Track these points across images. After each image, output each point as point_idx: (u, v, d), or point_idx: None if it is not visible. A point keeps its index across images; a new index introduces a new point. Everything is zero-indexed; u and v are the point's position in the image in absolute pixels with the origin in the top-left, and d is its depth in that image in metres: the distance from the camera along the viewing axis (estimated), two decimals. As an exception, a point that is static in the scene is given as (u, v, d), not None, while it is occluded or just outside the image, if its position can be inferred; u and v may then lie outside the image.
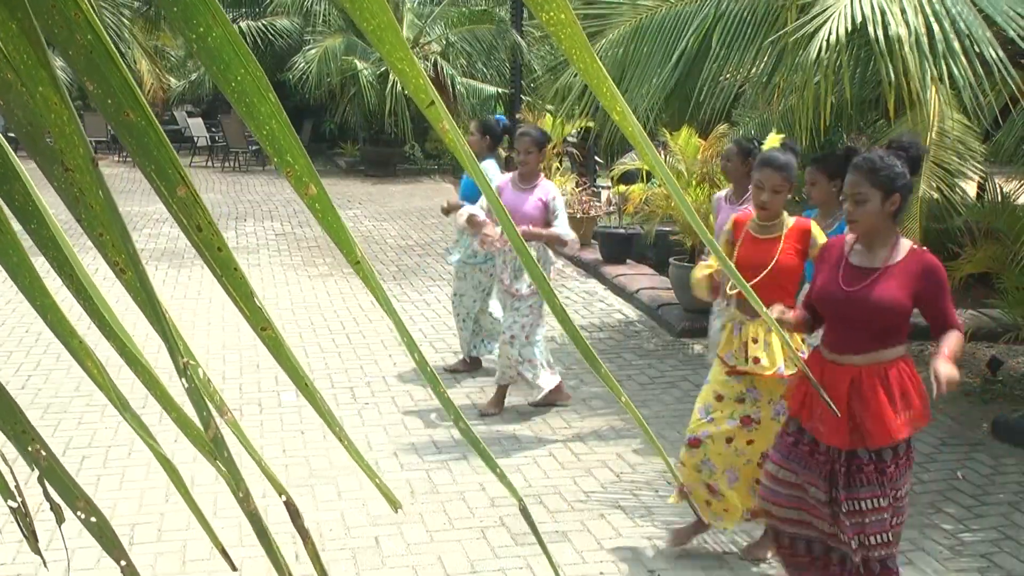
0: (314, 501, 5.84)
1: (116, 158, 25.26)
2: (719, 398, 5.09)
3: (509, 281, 7.19)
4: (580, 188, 14.52)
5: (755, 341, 4.91)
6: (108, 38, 0.93)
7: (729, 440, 5.07)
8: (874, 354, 4.15)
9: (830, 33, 5.94)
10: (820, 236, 4.91)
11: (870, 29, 5.90)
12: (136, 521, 5.52)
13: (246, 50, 0.97)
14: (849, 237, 4.29)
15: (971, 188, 9.08)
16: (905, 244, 4.19)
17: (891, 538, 4.23)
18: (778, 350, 4.86)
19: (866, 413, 4.09)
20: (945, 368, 3.98)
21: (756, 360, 4.90)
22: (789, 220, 5.00)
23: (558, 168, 15.48)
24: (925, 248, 4.24)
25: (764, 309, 1.28)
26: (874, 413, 4.08)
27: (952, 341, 4.15)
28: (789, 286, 4.96)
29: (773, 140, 5.14)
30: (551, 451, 6.69)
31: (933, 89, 5.86)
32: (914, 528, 5.64)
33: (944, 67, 5.85)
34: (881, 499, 4.16)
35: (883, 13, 5.96)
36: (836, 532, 4.30)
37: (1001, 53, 6.01)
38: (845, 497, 4.19)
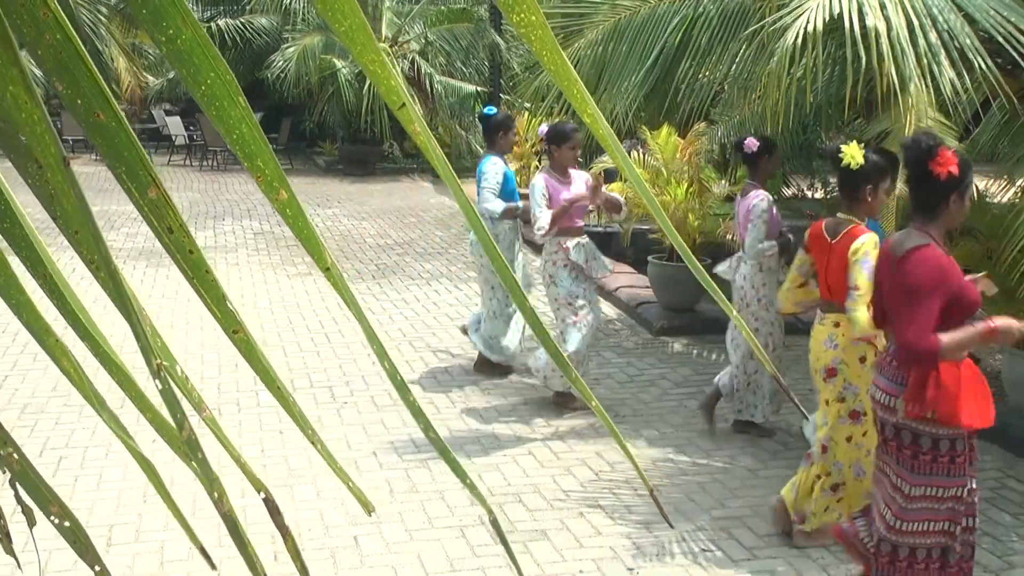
0: (293, 501, 5.83)
1: (93, 156, 25.12)
2: (825, 403, 5.34)
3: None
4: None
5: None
6: (77, 37, 0.92)
7: (849, 438, 5.25)
8: None
9: (808, 22, 5.96)
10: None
11: (846, 19, 5.92)
12: (114, 522, 5.50)
13: (216, 53, 0.97)
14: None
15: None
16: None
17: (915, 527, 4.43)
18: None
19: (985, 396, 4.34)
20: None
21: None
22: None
23: (537, 167, 15.48)
24: None
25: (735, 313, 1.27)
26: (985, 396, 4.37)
27: None
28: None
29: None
30: (530, 449, 6.69)
31: (913, 86, 5.88)
32: (891, 525, 5.67)
33: (925, 64, 5.86)
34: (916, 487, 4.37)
35: (860, 5, 5.99)
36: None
37: (982, 50, 6.03)
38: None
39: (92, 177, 21.07)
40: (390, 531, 5.49)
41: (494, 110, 8.35)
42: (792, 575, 5.09)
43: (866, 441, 5.18)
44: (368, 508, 1.24)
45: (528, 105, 11.25)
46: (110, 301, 1.08)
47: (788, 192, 13.14)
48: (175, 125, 25.81)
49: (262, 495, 1.20)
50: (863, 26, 5.90)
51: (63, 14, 0.91)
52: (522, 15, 1.01)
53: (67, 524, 1.19)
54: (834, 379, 5.21)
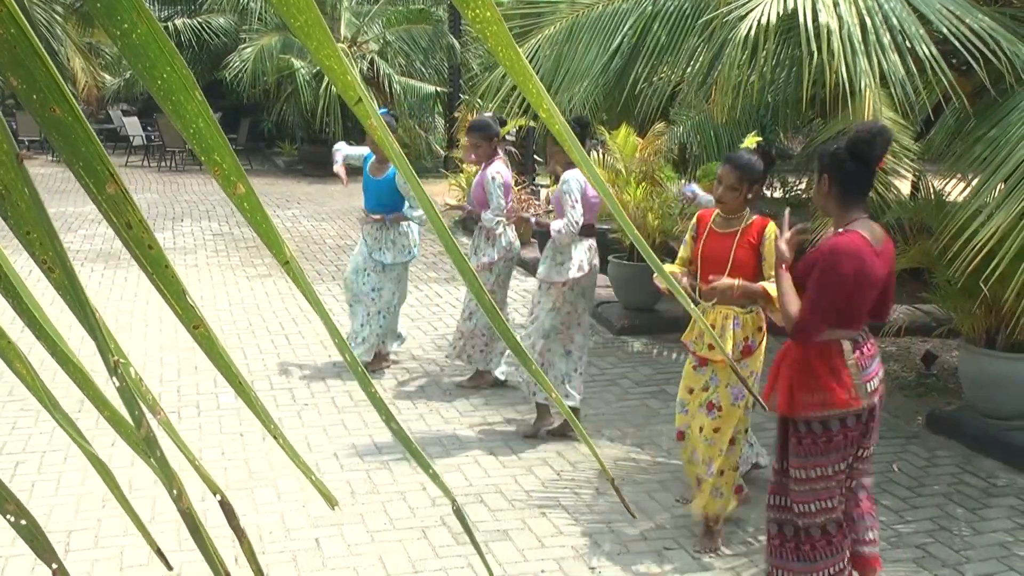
0: (254, 503, 5.79)
1: (49, 158, 24.86)
2: (690, 391, 5.37)
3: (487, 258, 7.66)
4: (519, 187, 14.54)
5: (712, 326, 5.20)
6: (32, 31, 0.90)
7: (701, 429, 5.26)
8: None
9: (762, 15, 5.99)
10: (772, 231, 5.06)
11: (800, 15, 5.96)
12: (72, 527, 5.44)
13: (171, 47, 0.95)
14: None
15: (906, 186, 9.21)
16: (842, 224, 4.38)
17: (806, 509, 4.44)
18: (730, 337, 5.13)
19: (782, 382, 4.36)
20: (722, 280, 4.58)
21: (711, 346, 5.21)
22: (751, 216, 5.19)
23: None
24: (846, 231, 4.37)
25: (693, 307, 1.27)
26: (784, 384, 4.34)
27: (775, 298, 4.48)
28: (744, 278, 5.08)
29: (750, 140, 5.24)
30: (492, 449, 6.68)
31: (864, 85, 5.92)
32: (851, 521, 5.71)
33: (876, 62, 5.91)
34: (799, 471, 4.42)
35: (814, 1, 6.03)
36: (778, 504, 4.59)
37: (934, 50, 6.08)
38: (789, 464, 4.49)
39: (49, 178, 20.86)
40: (351, 533, 5.47)
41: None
42: (753, 570, 5.12)
43: (717, 438, 5.23)
44: (331, 501, 1.23)
45: (479, 103, 11.22)
46: (67, 302, 1.07)
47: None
48: (132, 125, 25.58)
49: (218, 498, 1.19)
50: (816, 22, 5.95)
51: (17, 8, 0.89)
52: (477, 11, 1.01)
53: (24, 523, 1.17)
54: (704, 368, 5.31)
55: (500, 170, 7.57)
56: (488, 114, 7.87)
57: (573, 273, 6.61)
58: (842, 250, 4.17)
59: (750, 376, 5.25)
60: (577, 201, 6.47)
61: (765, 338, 5.27)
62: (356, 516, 5.67)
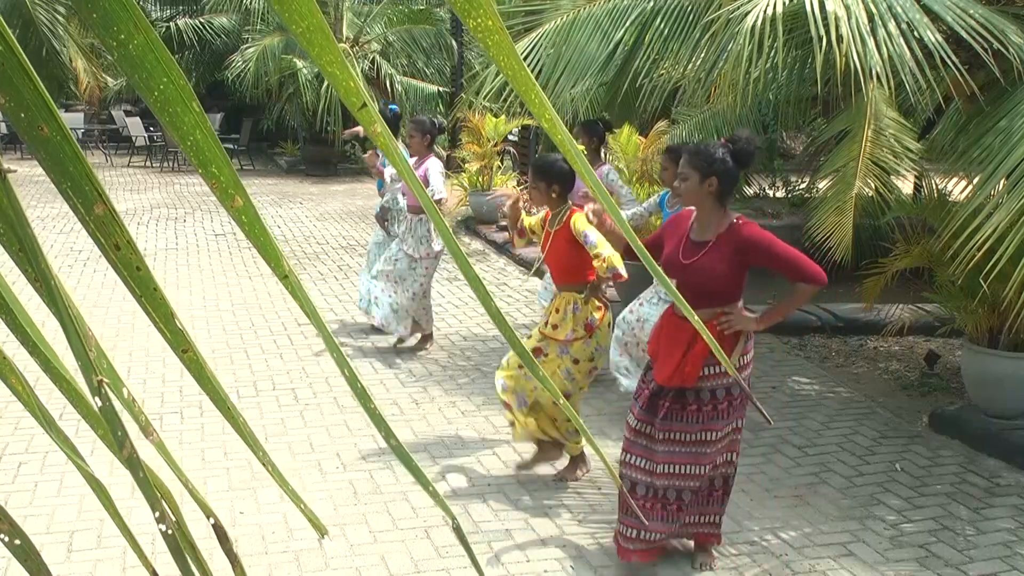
0: (256, 504, 5.79)
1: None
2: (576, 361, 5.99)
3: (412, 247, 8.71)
4: (521, 187, 14.54)
5: (557, 311, 5.93)
6: (20, 49, 0.90)
7: (521, 366, 5.89)
8: (707, 311, 4.71)
9: (768, 6, 5.96)
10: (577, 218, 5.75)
11: (807, 4, 5.91)
12: (75, 528, 5.44)
13: (169, 58, 0.95)
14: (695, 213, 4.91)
15: (908, 186, 9.20)
16: (729, 219, 4.75)
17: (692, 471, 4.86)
18: (571, 320, 5.81)
19: (690, 359, 4.68)
20: (739, 317, 4.73)
21: (555, 326, 5.90)
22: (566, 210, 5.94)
23: (499, 167, 15.48)
24: (744, 220, 4.77)
25: (688, 306, 1.27)
26: (694, 359, 4.68)
27: (791, 296, 4.76)
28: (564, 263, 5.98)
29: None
30: (494, 450, 6.68)
31: (876, 74, 5.87)
32: (855, 520, 5.71)
33: (885, 50, 5.85)
34: (694, 433, 4.81)
35: None
36: (630, 461, 4.97)
37: (939, 37, 6.03)
38: (660, 427, 4.81)
39: (48, 179, 20.82)
40: (354, 533, 5.47)
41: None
42: (756, 569, 5.12)
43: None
44: (321, 531, 1.23)
45: (473, 100, 11.20)
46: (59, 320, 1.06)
47: (750, 192, 13.22)
48: (135, 126, 25.55)
49: (211, 521, 1.19)
50: (823, 12, 5.90)
51: (4, 25, 0.89)
52: (479, 20, 1.00)
53: (18, 542, 1.16)
54: (590, 341, 5.87)
55: (437, 164, 8.65)
56: (435, 118, 8.98)
57: None
58: (757, 226, 4.77)
59: (596, 350, 5.93)
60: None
61: (606, 315, 5.88)
62: (359, 516, 5.67)
